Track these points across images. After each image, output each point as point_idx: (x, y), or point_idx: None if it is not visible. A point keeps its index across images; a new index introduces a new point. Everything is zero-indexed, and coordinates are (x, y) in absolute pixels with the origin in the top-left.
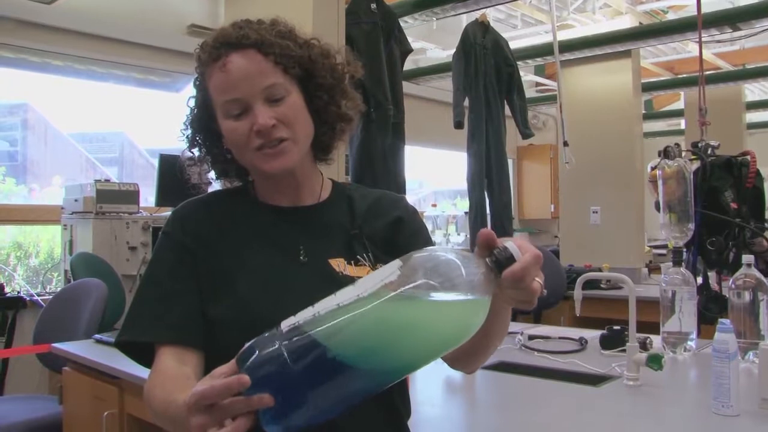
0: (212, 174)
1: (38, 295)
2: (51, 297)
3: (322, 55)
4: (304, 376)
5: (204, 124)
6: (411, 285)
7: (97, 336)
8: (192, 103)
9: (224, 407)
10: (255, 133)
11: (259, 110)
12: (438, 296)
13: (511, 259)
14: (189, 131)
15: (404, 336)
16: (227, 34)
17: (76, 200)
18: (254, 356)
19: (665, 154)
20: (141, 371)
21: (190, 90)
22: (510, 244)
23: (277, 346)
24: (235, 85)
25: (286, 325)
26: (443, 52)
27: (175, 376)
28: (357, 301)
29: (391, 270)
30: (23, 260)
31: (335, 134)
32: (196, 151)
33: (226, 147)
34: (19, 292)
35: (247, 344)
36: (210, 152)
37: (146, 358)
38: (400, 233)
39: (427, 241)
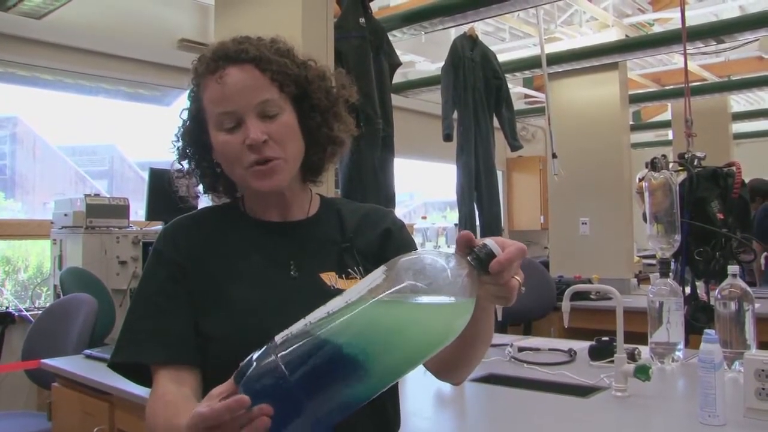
0: (200, 188)
1: (27, 311)
2: (40, 312)
3: (318, 77)
4: (300, 384)
5: (195, 136)
6: (395, 288)
7: (88, 351)
8: (185, 114)
9: (227, 425)
10: (246, 147)
11: (251, 124)
12: (422, 298)
13: (491, 255)
14: (180, 143)
15: (390, 339)
16: (226, 48)
17: (65, 215)
18: (251, 370)
19: (652, 165)
20: (132, 387)
21: (180, 104)
22: (489, 241)
23: (272, 358)
24: (230, 98)
25: (279, 337)
26: (432, 65)
27: (175, 400)
28: (346, 307)
29: (376, 276)
30: (12, 275)
31: (326, 156)
32: (185, 164)
33: (216, 161)
34: (7, 308)
35: (244, 362)
36: (199, 165)
37: (140, 377)
38: (387, 246)
39: None
